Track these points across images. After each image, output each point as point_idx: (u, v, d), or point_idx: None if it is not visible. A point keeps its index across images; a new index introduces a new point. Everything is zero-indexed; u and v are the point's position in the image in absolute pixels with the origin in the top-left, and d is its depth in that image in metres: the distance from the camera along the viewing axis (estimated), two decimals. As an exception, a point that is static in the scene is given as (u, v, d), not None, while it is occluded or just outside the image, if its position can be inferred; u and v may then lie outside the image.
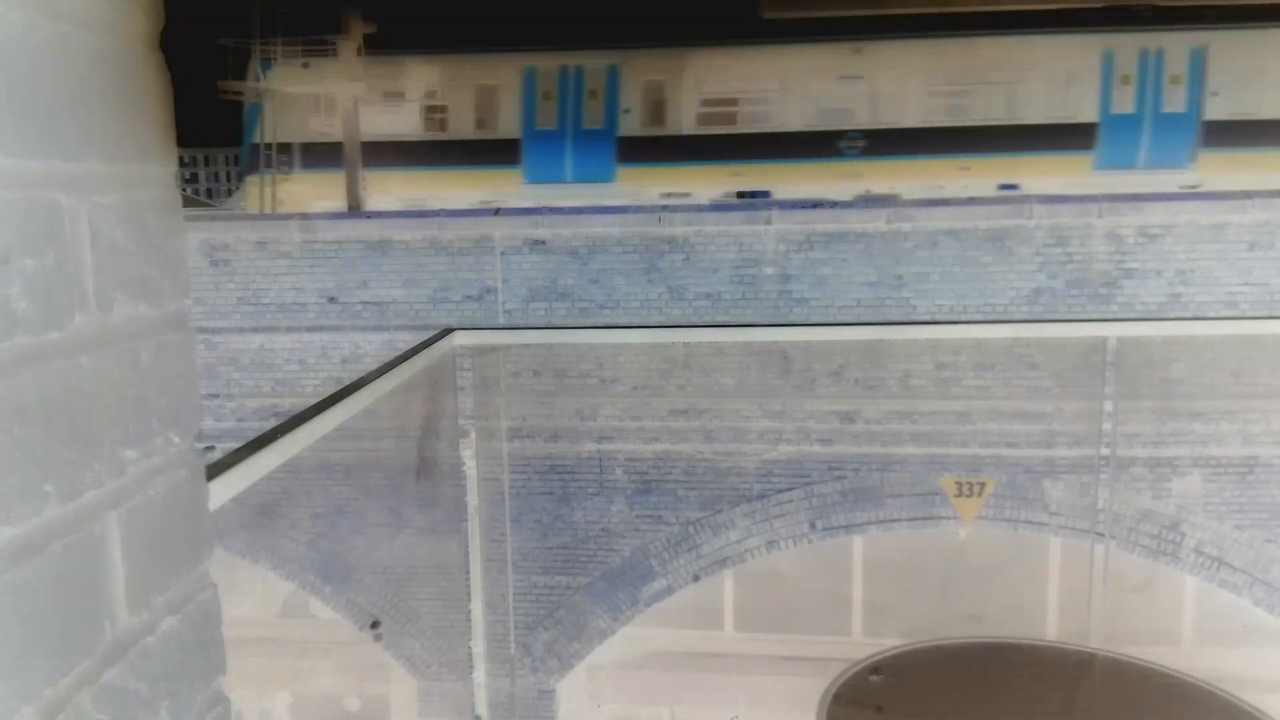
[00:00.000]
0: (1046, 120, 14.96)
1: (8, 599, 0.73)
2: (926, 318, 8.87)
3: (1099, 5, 14.77)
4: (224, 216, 12.19)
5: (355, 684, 10.62)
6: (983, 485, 8.94)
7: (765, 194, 14.64)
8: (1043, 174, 14.29)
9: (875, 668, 5.08)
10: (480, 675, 6.90)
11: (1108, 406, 7.41)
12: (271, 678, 10.32)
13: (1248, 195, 8.82)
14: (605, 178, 15.42)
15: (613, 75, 15.50)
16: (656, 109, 15.71)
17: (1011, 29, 14.64)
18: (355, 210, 14.41)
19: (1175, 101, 14.77)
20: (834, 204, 9.62)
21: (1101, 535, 8.24)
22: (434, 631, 9.35)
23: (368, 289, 9.47)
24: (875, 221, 9.00)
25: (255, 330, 9.60)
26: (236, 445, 2.04)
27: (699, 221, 9.20)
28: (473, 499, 6.15)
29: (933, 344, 8.78)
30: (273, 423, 2.32)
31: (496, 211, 9.66)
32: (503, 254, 9.31)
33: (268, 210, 14.63)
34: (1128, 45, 14.76)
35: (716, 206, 11.52)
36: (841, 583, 9.97)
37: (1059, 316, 8.69)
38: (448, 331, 3.94)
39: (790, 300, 9.08)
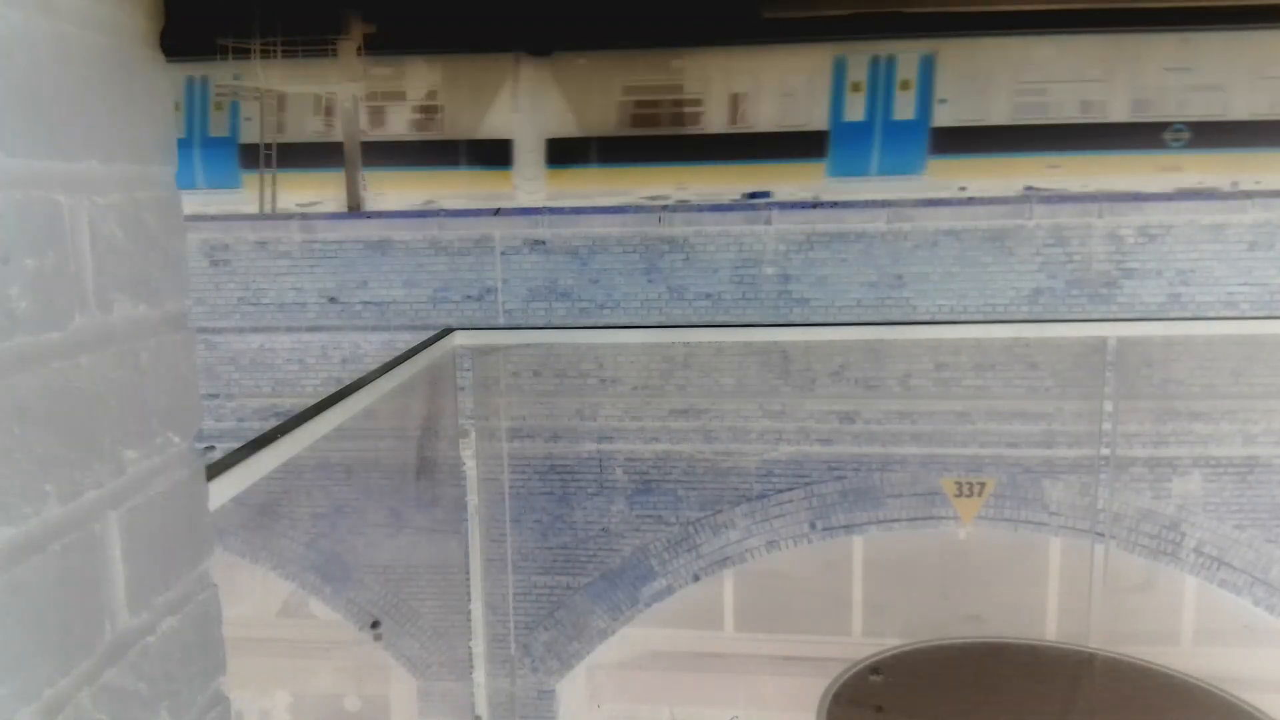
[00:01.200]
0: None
1: (8, 599, 0.73)
2: (926, 318, 8.87)
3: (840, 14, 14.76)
4: (223, 216, 12.19)
5: (355, 684, 10.62)
6: (983, 485, 8.94)
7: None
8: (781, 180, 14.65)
9: (875, 668, 5.07)
10: (480, 675, 6.90)
11: (1108, 406, 7.40)
12: (271, 678, 10.32)
13: (1248, 195, 8.82)
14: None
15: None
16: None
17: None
18: (355, 210, 14.42)
19: (905, 109, 14.87)
20: (834, 203, 9.62)
21: (1101, 535, 8.23)
22: (434, 631, 9.34)
23: (368, 289, 9.47)
24: (875, 221, 9.00)
25: (255, 330, 9.60)
26: (236, 445, 2.04)
27: (699, 221, 9.20)
28: (473, 499, 6.14)
29: (933, 344, 8.78)
30: (273, 423, 2.32)
31: (497, 211, 9.66)
32: (503, 254, 9.31)
33: (267, 210, 14.62)
34: (859, 53, 14.84)
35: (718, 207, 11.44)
36: (841, 583, 9.97)
37: (1059, 316, 8.69)
38: (448, 331, 3.93)
39: (790, 300, 9.08)
